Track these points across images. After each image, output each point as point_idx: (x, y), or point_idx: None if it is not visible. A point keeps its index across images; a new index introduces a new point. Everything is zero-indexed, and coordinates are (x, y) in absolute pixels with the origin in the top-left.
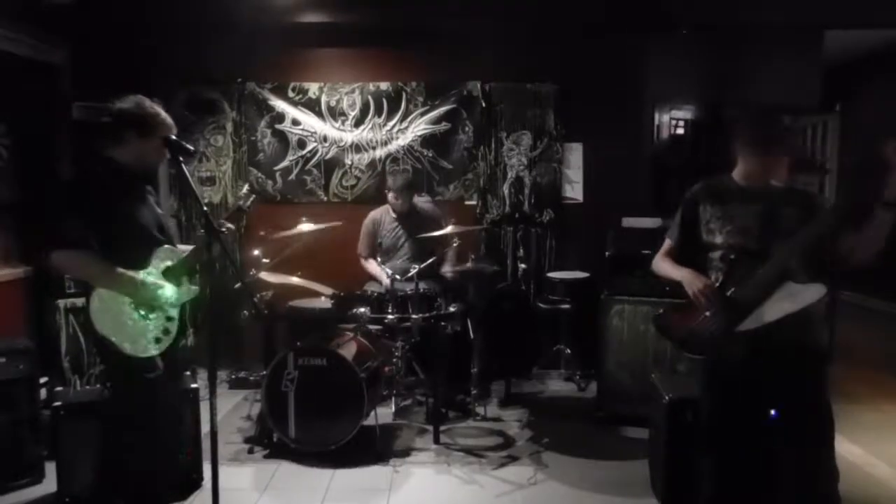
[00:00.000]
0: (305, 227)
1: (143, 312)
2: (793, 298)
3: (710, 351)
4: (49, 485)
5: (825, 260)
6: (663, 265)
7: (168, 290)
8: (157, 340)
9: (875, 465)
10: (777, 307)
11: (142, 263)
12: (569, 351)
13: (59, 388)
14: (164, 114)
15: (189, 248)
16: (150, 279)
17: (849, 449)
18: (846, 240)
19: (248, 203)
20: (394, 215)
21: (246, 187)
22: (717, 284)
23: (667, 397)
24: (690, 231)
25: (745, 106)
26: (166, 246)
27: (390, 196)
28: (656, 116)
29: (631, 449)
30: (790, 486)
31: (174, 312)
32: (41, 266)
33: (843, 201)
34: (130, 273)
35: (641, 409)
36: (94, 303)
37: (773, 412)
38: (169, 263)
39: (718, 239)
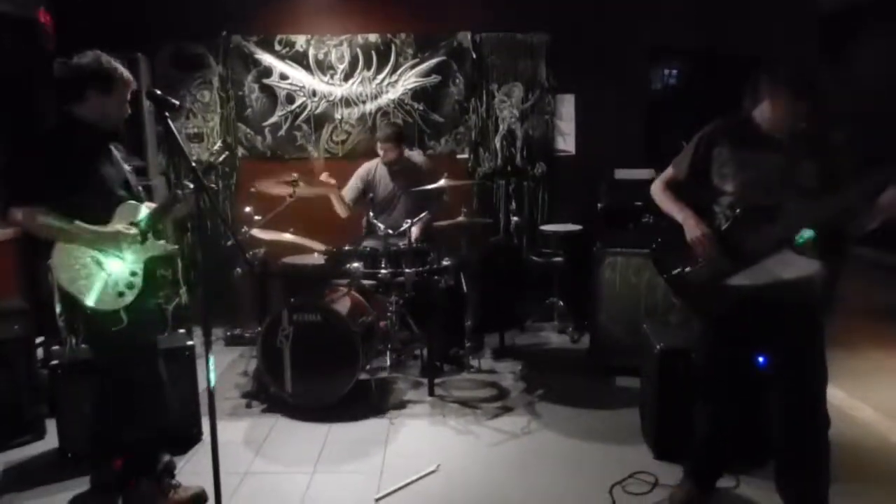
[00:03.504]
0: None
1: (105, 266)
2: (786, 266)
3: (696, 300)
4: (51, 441)
5: (834, 236)
6: (664, 197)
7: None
8: (121, 294)
9: (860, 409)
10: (769, 271)
11: (103, 219)
12: (562, 303)
13: (55, 347)
14: (122, 69)
15: (154, 204)
16: (109, 229)
17: (833, 393)
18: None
19: (220, 159)
20: (387, 170)
21: (219, 143)
22: (718, 233)
23: (658, 346)
24: (700, 169)
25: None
26: (130, 202)
27: (379, 148)
28: (649, 67)
29: (622, 398)
30: (781, 430)
31: (138, 267)
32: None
33: (868, 182)
34: (88, 226)
35: (633, 359)
36: (56, 257)
37: (761, 359)
38: (133, 219)
39: (729, 186)
